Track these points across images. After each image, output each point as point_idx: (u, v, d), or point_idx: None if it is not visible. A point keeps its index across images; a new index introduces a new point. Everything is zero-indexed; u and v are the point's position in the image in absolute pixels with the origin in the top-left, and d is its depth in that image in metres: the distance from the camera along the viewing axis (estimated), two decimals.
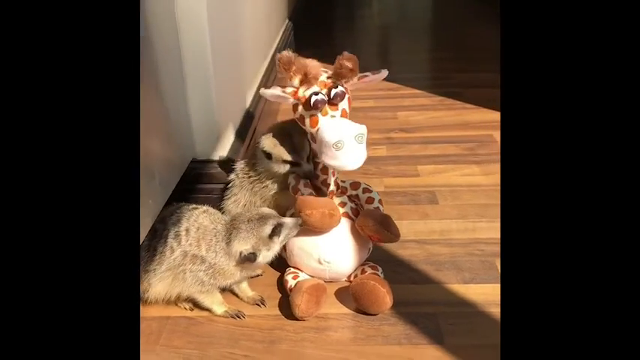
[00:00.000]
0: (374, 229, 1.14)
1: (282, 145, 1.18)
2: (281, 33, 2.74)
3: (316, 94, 1.07)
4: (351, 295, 1.13)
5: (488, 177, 1.65)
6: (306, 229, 1.12)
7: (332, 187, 1.23)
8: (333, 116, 1.10)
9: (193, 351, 1.04)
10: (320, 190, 1.23)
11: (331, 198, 1.22)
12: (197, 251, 1.06)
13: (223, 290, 1.15)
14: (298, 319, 1.10)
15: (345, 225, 1.18)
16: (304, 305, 1.09)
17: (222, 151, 1.38)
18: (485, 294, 1.15)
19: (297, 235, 1.14)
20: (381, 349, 1.03)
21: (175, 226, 1.08)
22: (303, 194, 1.17)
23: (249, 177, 1.26)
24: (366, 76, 1.13)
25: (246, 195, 1.26)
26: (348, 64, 1.08)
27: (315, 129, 1.09)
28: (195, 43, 1.25)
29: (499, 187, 1.56)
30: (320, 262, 1.17)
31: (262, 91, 1.12)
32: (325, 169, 1.20)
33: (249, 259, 1.05)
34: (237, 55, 1.65)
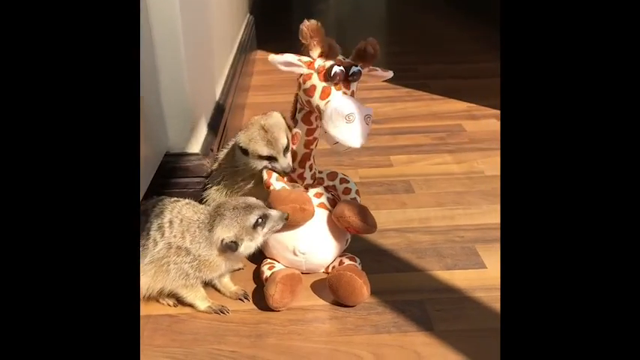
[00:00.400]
0: (350, 220, 1.12)
1: (258, 139, 1.15)
2: (244, 27, 2.70)
3: (338, 65, 1.06)
4: (327, 287, 1.11)
5: (461, 165, 1.66)
6: None
7: (308, 181, 1.21)
8: (345, 93, 1.08)
9: (178, 349, 1.00)
10: (296, 183, 1.21)
11: (307, 191, 1.20)
12: (182, 243, 1.03)
13: (205, 285, 1.12)
14: (274, 310, 1.08)
15: (321, 216, 1.16)
16: (278, 295, 1.06)
17: (196, 144, 1.34)
18: (470, 279, 1.15)
19: None
20: (371, 338, 1.02)
21: (158, 218, 1.04)
22: (275, 188, 1.15)
23: (227, 168, 1.23)
24: (376, 70, 1.13)
25: (226, 187, 1.23)
26: (372, 50, 1.08)
27: (326, 101, 1.07)
28: (168, 34, 1.21)
29: (473, 175, 1.59)
30: (295, 254, 1.15)
31: (272, 57, 1.08)
32: (303, 162, 1.18)
33: (230, 247, 1.02)
34: (207, 46, 1.61)
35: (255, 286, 1.17)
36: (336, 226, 1.16)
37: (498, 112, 2.06)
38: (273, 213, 1.06)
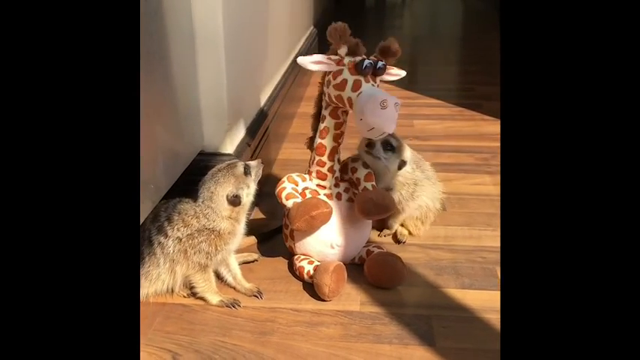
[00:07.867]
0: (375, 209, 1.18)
1: None
2: (304, 39, 2.76)
3: (368, 59, 1.12)
4: (366, 272, 1.19)
5: (498, 187, 1.62)
6: None
7: (337, 174, 1.24)
8: (373, 85, 1.14)
9: (184, 337, 1.05)
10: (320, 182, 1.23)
11: (337, 185, 1.24)
12: (189, 231, 1.08)
13: (219, 280, 1.16)
14: (325, 300, 1.14)
15: (350, 210, 1.22)
16: (334, 285, 1.13)
17: (231, 145, 1.39)
18: (482, 300, 1.13)
19: None
20: (371, 347, 1.02)
21: (155, 221, 1.09)
22: (287, 206, 1.19)
23: None
24: (392, 68, 1.20)
25: None
26: (395, 47, 1.16)
27: (358, 92, 1.12)
28: (209, 34, 1.27)
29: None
30: (332, 247, 1.21)
31: (301, 58, 1.15)
32: (331, 155, 1.21)
33: (234, 202, 1.09)
34: (254, 53, 1.67)
35: (268, 285, 1.20)
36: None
37: None
38: (252, 162, 1.15)
